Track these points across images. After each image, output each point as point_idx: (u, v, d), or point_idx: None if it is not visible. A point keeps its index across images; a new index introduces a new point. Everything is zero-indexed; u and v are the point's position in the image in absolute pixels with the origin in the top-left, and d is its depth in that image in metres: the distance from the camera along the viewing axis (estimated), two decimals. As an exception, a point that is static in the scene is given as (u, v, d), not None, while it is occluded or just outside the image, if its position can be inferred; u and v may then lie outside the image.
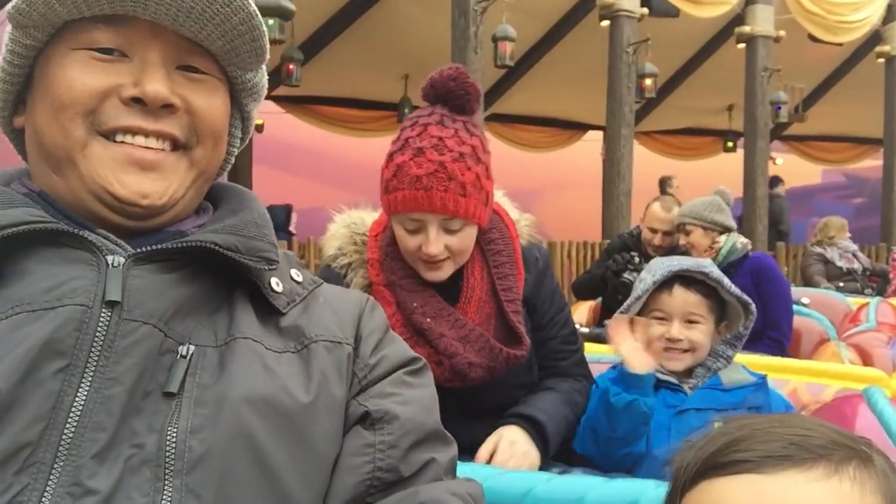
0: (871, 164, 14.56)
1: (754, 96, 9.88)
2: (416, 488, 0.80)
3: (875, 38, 11.15)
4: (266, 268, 0.83)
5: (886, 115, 11.29)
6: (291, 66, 8.84)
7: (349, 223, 1.77)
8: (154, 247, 0.78)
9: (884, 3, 10.71)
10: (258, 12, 0.80)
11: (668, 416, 1.70)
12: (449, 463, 0.86)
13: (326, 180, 14.44)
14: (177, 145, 0.81)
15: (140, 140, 0.79)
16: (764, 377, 1.81)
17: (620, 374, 1.64)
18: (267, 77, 0.94)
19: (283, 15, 6.53)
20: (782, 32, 9.88)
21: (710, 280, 1.77)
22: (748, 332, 1.81)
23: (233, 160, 0.95)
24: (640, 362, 1.62)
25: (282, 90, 10.18)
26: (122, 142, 0.79)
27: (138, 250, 0.77)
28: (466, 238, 1.61)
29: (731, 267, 3.45)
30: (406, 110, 10.84)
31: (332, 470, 0.79)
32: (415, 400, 0.88)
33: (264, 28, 0.81)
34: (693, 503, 0.63)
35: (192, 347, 0.75)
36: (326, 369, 0.82)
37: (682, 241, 3.66)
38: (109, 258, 0.75)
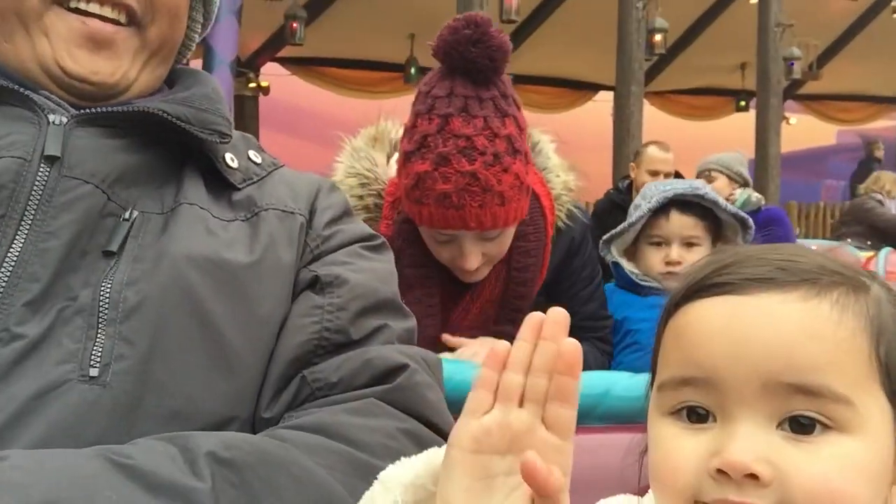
0: (886, 124, 14.34)
1: (767, 52, 9.69)
2: (366, 348, 0.79)
3: (892, -8, 10.91)
4: (218, 141, 0.81)
5: (903, 71, 11.08)
6: (295, 25, 8.75)
7: (359, 172, 1.52)
8: (98, 109, 0.77)
9: (901, -46, 10.45)
10: None
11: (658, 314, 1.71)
12: (404, 333, 0.84)
13: (334, 144, 14.37)
14: (133, 19, 0.80)
15: (95, 8, 0.77)
16: None
17: (620, 279, 1.70)
18: None
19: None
20: (796, -14, 9.67)
21: (705, 201, 1.78)
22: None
23: (193, 46, 0.93)
24: None
25: (287, 51, 10.10)
26: (77, 9, 0.77)
27: (82, 111, 0.77)
28: (506, 240, 1.42)
29: None
30: (412, 71, 10.71)
31: (280, 332, 0.79)
32: (369, 269, 0.86)
33: None
34: (674, 326, 0.62)
35: (136, 213, 0.75)
36: (275, 234, 0.82)
37: None
38: (51, 117, 0.75)
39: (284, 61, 10.87)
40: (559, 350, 0.55)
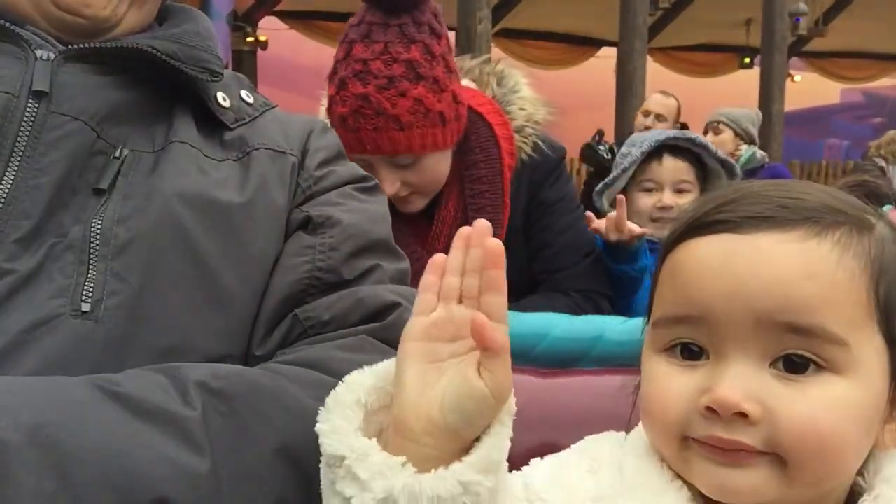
0: (890, 82, 14.21)
1: (772, 7, 9.56)
2: (358, 287, 0.79)
3: (901, -54, 10.72)
4: (209, 79, 0.80)
5: (910, 28, 10.94)
6: (294, -23, 8.60)
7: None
8: (87, 45, 0.76)
9: None
10: None
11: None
12: (397, 273, 0.84)
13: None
14: None
15: None
16: None
17: (607, 247, 1.65)
18: None
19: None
20: (804, -60, 9.50)
21: (695, 147, 1.79)
22: None
23: None
24: (615, 234, 1.61)
25: (285, 4, 9.96)
26: None
27: (70, 47, 0.75)
28: (427, 170, 1.42)
29: (748, 174, 3.53)
30: (413, 25, 10.59)
31: (272, 271, 0.79)
32: (361, 210, 0.86)
33: None
34: (671, 263, 0.61)
35: (126, 151, 0.75)
36: (267, 174, 0.81)
37: (709, 138, 3.70)
38: (39, 52, 0.74)
39: (283, 15, 10.73)
40: (484, 250, 0.58)
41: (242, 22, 10.28)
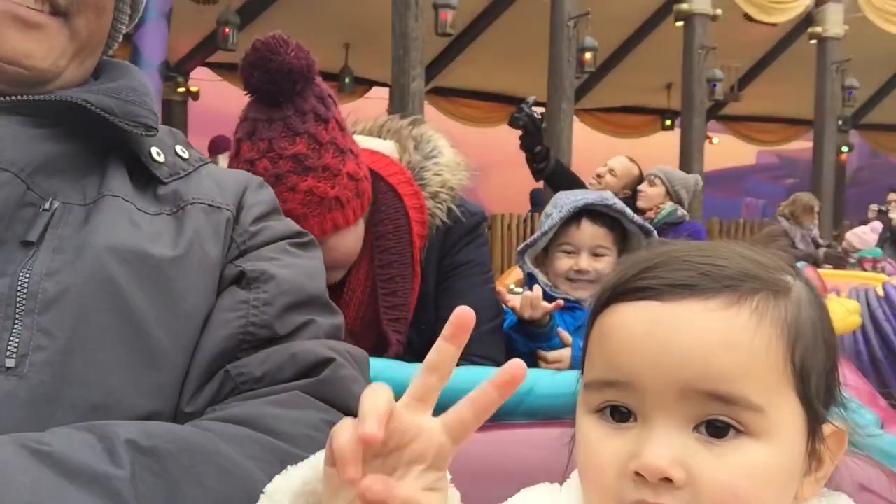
0: (802, 145, 14.98)
1: (691, 73, 10.04)
2: (291, 342, 0.79)
3: (808, 19, 11.42)
4: (144, 133, 0.80)
5: (817, 94, 11.61)
6: (227, 30, 8.61)
7: None
8: (19, 97, 0.75)
9: (817, -16, 10.99)
10: None
11: (568, 333, 1.77)
12: (331, 329, 0.84)
13: (265, 152, 14.13)
14: (57, 10, 0.78)
15: (20, 5, 0.75)
16: None
17: (520, 326, 1.69)
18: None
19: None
20: (719, 11, 10.04)
21: (613, 211, 1.84)
22: None
23: (120, 38, 0.91)
24: (535, 310, 1.65)
25: (218, 56, 9.93)
26: None
27: (2, 99, 0.75)
28: (334, 248, 1.43)
29: (665, 227, 3.62)
30: (347, 80, 10.69)
31: (204, 327, 0.78)
32: (296, 265, 0.86)
33: None
34: (599, 327, 0.63)
35: (57, 203, 0.73)
36: (201, 229, 0.81)
37: (642, 188, 3.94)
38: None
39: (215, 66, 10.69)
40: None
41: (174, 72, 10.20)
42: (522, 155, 3.47)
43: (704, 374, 0.56)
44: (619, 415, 0.60)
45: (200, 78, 10.98)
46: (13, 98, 0.75)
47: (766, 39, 12.41)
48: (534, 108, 3.43)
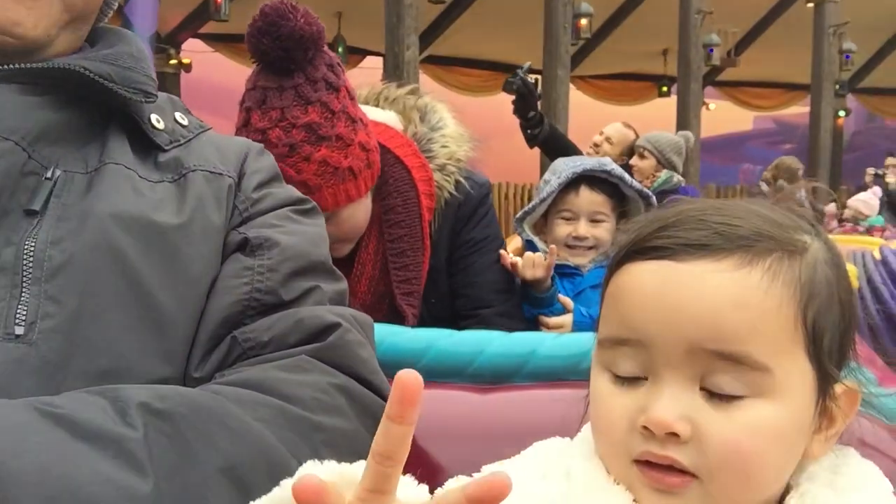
0: (799, 110, 14.92)
1: (688, 38, 9.98)
2: (297, 308, 0.79)
3: (805, -18, 11.33)
4: (143, 100, 0.80)
5: (814, 61, 11.55)
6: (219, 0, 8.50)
7: None
8: (16, 65, 0.74)
9: (814, -53, 10.87)
10: None
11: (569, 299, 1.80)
12: (336, 295, 0.85)
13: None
14: None
15: None
16: None
17: (524, 292, 1.71)
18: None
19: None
20: (716, -26, 9.96)
21: (612, 177, 1.85)
22: None
23: (115, 5, 0.90)
24: (536, 269, 1.68)
25: (210, 27, 9.82)
26: None
27: (1, 67, 0.74)
28: (344, 221, 1.42)
29: (661, 195, 3.61)
30: (339, 49, 10.59)
31: (210, 294, 0.78)
32: (299, 232, 0.86)
33: None
34: (614, 285, 0.64)
35: (59, 172, 0.73)
36: (203, 196, 0.81)
37: (634, 161, 3.92)
38: None
39: (207, 38, 10.58)
40: None
41: (165, 44, 10.10)
42: (518, 123, 3.45)
43: (713, 334, 0.57)
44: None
45: (192, 49, 10.88)
46: (9, 66, 0.74)
47: (763, 3, 12.31)
48: (529, 75, 3.41)
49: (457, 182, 1.59)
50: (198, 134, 0.87)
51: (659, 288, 0.59)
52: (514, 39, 11.23)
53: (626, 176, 1.87)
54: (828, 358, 0.60)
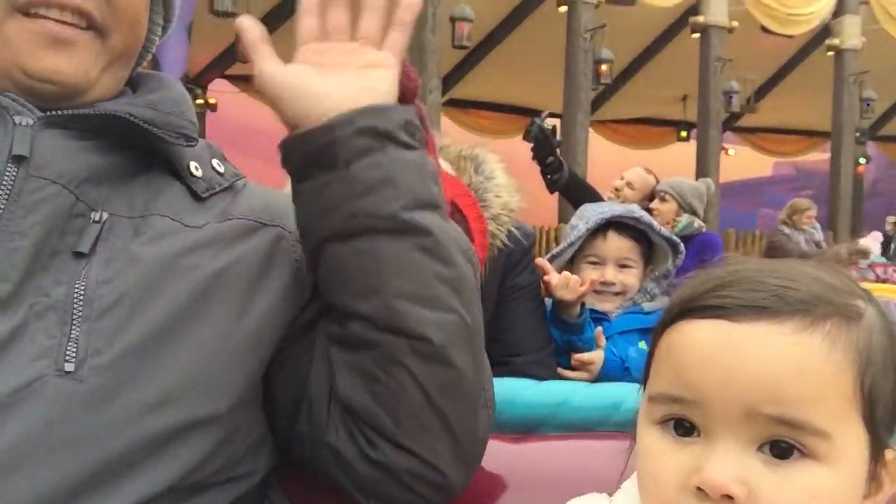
0: (820, 156, 14.91)
1: (707, 85, 10.04)
2: None
3: (825, 31, 11.40)
4: (184, 144, 0.82)
5: (834, 107, 11.56)
6: (246, 43, 8.66)
7: None
8: (65, 111, 0.77)
9: (834, -4, 10.97)
10: None
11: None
12: None
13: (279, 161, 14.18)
14: (93, 24, 0.80)
15: (55, 14, 0.77)
16: None
17: (555, 317, 1.71)
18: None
19: (238, -13, 6.41)
20: (735, 23, 10.05)
21: (640, 224, 1.85)
22: (675, 270, 1.89)
23: (154, 49, 0.93)
24: (569, 292, 1.68)
25: (236, 68, 10.02)
26: (37, 14, 0.77)
27: (49, 113, 0.76)
28: None
29: (682, 241, 3.61)
30: (363, 92, 10.73)
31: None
32: None
33: None
34: (668, 341, 0.63)
35: (105, 214, 0.76)
36: (249, 243, 0.82)
37: (654, 205, 3.91)
38: (17, 118, 0.75)
39: (233, 78, 10.78)
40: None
41: (192, 84, 10.30)
42: (536, 167, 3.48)
43: (774, 398, 0.56)
44: (683, 429, 0.60)
45: (218, 90, 11.08)
46: (59, 112, 0.77)
47: (782, 51, 12.38)
48: (547, 121, 3.45)
49: (508, 232, 1.62)
50: (233, 182, 0.88)
51: (717, 348, 0.58)
52: (534, 83, 11.35)
53: (655, 223, 1.87)
54: (882, 424, 0.60)
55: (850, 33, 11.28)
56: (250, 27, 0.80)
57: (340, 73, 0.79)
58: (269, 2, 9.55)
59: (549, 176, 3.45)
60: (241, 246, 0.81)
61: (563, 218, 8.13)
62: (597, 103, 11.45)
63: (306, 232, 0.80)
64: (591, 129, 9.11)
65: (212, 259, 0.78)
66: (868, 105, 11.77)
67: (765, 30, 10.54)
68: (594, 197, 3.70)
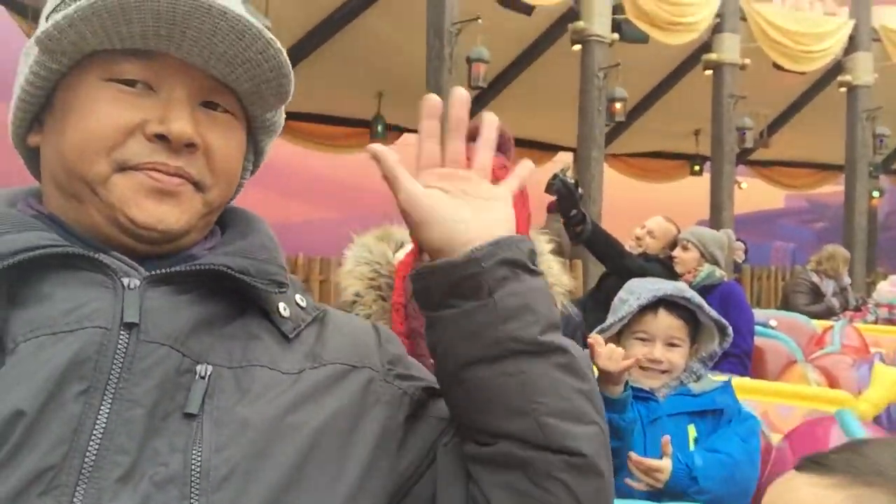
0: (833, 189, 14.91)
1: (721, 122, 10.10)
2: None
3: (837, 67, 11.48)
4: (276, 291, 0.84)
5: (847, 142, 11.60)
6: (266, 82, 8.80)
7: (370, 260, 1.66)
8: (169, 270, 0.79)
9: (846, 34, 11.06)
10: (288, 60, 0.81)
11: (642, 424, 1.78)
12: None
13: (297, 196, 14.35)
14: (194, 185, 0.83)
15: (158, 175, 0.80)
16: (728, 380, 1.95)
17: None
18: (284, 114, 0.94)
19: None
20: (748, 60, 10.13)
21: (690, 304, 1.86)
22: (721, 351, 1.90)
23: (242, 188, 0.94)
24: (612, 363, 1.68)
25: (256, 106, 10.13)
26: (142, 168, 0.80)
27: (153, 273, 0.78)
28: None
29: (703, 290, 3.63)
30: (379, 128, 10.88)
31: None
32: None
33: (291, 74, 0.82)
34: None
35: (209, 368, 0.76)
36: (345, 388, 0.83)
37: (676, 253, 3.94)
38: (125, 280, 0.76)
39: (251, 115, 10.92)
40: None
41: (211, 120, 10.43)
42: (550, 199, 3.52)
43: None
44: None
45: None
46: (163, 271, 0.79)
47: (795, 87, 12.46)
48: (569, 174, 3.51)
49: (562, 306, 1.68)
50: (315, 316, 0.89)
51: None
52: (548, 120, 11.46)
53: (705, 304, 1.87)
54: None
55: (863, 69, 11.35)
56: (384, 154, 0.82)
57: (468, 203, 0.82)
58: (285, 44, 9.73)
59: (572, 228, 3.50)
60: (337, 392, 0.82)
61: (579, 256, 8.15)
62: (610, 137, 11.53)
63: (445, 357, 0.82)
64: (604, 163, 9.16)
65: (313, 415, 0.78)
66: (881, 141, 11.79)
67: (777, 67, 10.62)
68: (616, 248, 3.75)
